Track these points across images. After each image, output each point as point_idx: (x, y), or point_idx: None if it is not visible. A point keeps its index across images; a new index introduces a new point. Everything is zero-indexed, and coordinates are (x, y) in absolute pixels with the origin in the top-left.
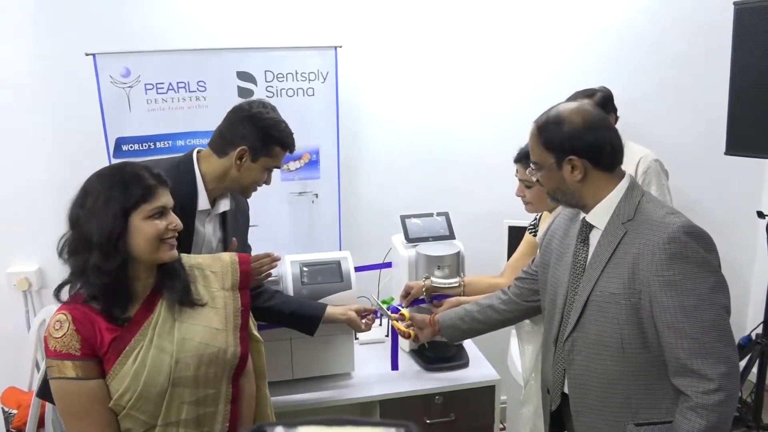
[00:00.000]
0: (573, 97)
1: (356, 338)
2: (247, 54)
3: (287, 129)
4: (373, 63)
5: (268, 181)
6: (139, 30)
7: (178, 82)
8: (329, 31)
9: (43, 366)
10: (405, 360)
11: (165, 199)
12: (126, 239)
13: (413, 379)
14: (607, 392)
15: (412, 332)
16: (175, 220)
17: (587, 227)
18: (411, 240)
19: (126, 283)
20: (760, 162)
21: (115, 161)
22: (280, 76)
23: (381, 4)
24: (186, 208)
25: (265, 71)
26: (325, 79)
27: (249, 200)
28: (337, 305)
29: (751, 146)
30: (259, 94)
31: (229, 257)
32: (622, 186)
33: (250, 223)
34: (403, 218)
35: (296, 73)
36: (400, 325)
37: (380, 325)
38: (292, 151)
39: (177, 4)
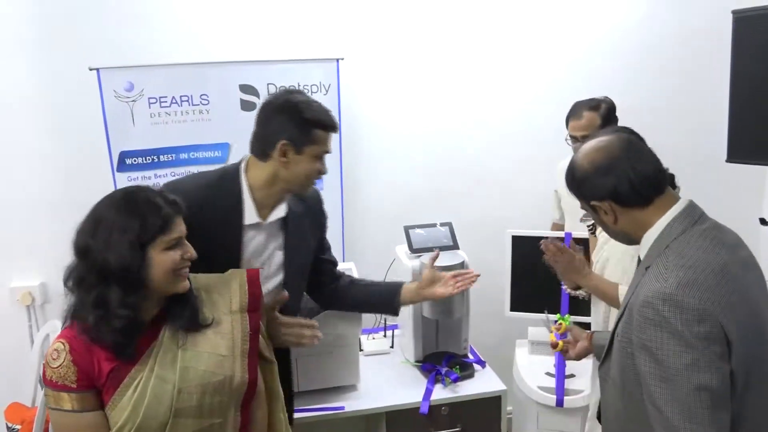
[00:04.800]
0: (573, 107)
1: (361, 350)
2: (250, 67)
3: (322, 107)
4: (375, 74)
5: (323, 170)
6: (142, 44)
7: (181, 96)
8: (331, 44)
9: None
10: (410, 371)
11: (181, 228)
12: (143, 271)
13: (419, 390)
14: (619, 428)
15: (561, 343)
16: (189, 250)
17: (638, 259)
18: (415, 250)
19: (139, 316)
20: (762, 169)
21: (119, 175)
22: (282, 88)
23: (382, 15)
24: (231, 223)
25: (268, 84)
26: (327, 91)
27: None
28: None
29: (752, 154)
30: None
31: (237, 276)
32: (662, 222)
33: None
34: (406, 229)
35: (298, 86)
36: (553, 335)
37: (384, 336)
38: (335, 130)
39: (179, 18)
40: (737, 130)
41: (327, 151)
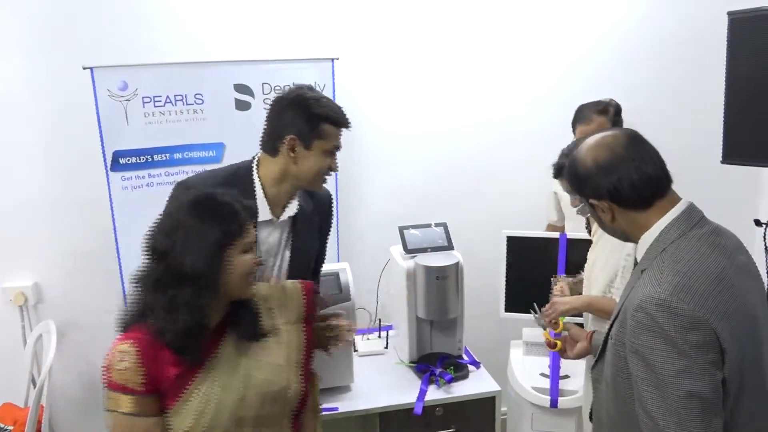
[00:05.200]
0: (580, 111)
1: (355, 350)
2: (244, 66)
3: (331, 103)
4: (370, 74)
5: (334, 167)
6: (136, 43)
7: (175, 95)
8: (326, 43)
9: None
10: (404, 372)
11: (253, 232)
12: (220, 275)
13: (414, 391)
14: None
15: (559, 343)
16: (258, 255)
17: (635, 261)
18: (409, 251)
19: (207, 321)
20: (757, 170)
21: (112, 175)
22: (277, 88)
23: (378, 15)
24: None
25: (263, 83)
26: (322, 91)
27: None
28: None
29: (747, 155)
30: (257, 106)
31: (293, 286)
32: (659, 225)
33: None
34: (401, 229)
35: (293, 85)
36: (548, 334)
37: (379, 337)
38: (346, 126)
39: (174, 17)
40: (732, 131)
41: (337, 147)
